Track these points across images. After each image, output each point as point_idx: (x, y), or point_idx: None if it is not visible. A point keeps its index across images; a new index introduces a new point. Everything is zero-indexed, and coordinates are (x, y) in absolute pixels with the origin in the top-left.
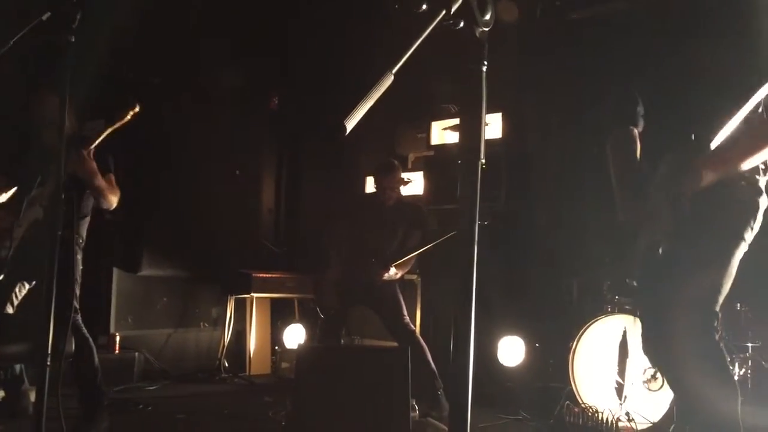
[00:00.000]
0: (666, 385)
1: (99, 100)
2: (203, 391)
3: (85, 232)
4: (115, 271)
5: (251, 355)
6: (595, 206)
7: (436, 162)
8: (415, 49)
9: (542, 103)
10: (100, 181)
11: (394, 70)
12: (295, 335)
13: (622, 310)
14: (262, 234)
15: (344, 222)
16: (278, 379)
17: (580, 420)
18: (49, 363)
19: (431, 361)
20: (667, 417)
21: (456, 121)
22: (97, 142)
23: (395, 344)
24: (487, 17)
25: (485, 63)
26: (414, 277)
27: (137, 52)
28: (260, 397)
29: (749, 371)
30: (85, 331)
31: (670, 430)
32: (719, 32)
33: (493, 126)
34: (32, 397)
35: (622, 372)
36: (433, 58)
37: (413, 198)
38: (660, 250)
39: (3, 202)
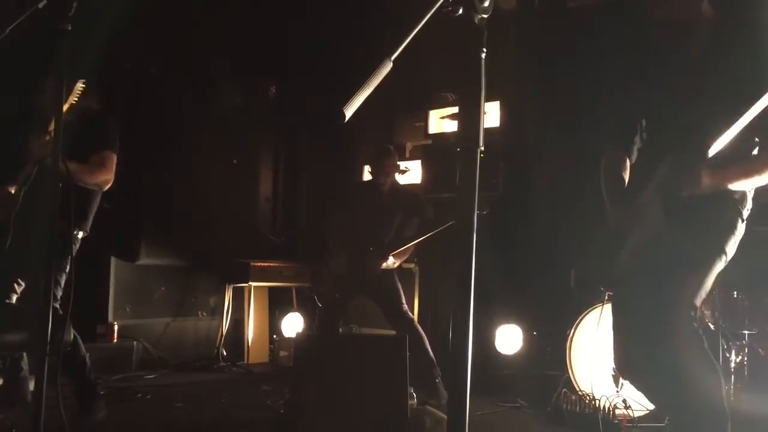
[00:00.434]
0: None
1: (96, 89)
2: (201, 380)
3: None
4: (113, 261)
5: (249, 344)
6: (594, 196)
7: (434, 151)
8: (413, 36)
9: (540, 92)
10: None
11: (393, 57)
12: (293, 324)
13: None
14: (259, 223)
15: (341, 209)
16: (276, 368)
17: (578, 407)
18: (48, 353)
19: (429, 349)
20: None
21: (454, 109)
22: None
23: (393, 333)
24: (486, 4)
25: (484, 50)
26: (412, 266)
27: (134, 42)
28: (258, 386)
29: (745, 359)
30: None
31: (666, 417)
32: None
33: (491, 114)
34: (31, 385)
35: None
36: (431, 46)
37: (411, 186)
38: (644, 247)
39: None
